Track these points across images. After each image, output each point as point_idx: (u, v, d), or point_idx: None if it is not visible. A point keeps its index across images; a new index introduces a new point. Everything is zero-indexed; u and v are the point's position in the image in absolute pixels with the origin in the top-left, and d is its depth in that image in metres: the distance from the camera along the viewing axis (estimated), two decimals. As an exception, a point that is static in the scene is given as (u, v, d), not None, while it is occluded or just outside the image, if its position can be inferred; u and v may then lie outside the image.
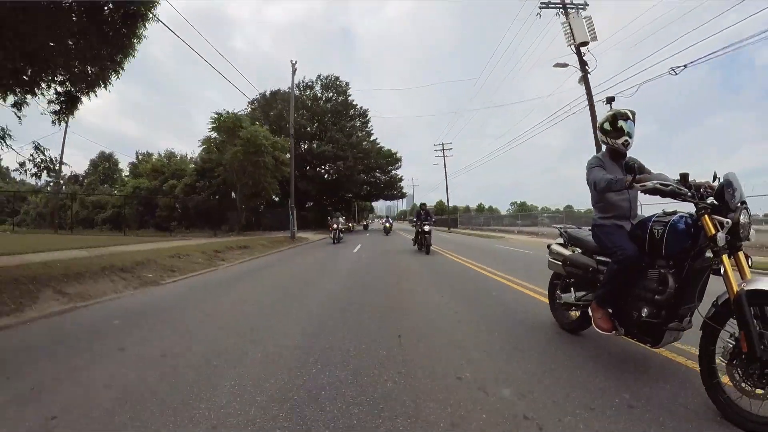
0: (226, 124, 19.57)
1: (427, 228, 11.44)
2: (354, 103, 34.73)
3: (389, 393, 2.10)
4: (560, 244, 3.26)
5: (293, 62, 20.24)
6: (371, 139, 35.20)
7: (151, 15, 6.29)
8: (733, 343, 1.89)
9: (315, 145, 31.90)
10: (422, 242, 11.65)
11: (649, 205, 3.39)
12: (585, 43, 13.49)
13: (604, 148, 2.78)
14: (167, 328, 3.53)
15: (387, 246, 14.69)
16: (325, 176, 33.68)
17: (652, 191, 2.11)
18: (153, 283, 6.23)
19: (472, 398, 2.06)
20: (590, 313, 2.63)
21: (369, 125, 35.59)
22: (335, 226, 16.68)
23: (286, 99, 30.72)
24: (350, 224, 27.75)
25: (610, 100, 2.59)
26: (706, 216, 1.99)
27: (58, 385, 2.26)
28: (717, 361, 2.00)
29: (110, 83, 6.77)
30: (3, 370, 2.49)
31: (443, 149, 40.39)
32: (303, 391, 2.14)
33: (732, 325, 1.92)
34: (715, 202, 2.05)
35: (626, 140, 2.60)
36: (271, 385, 2.21)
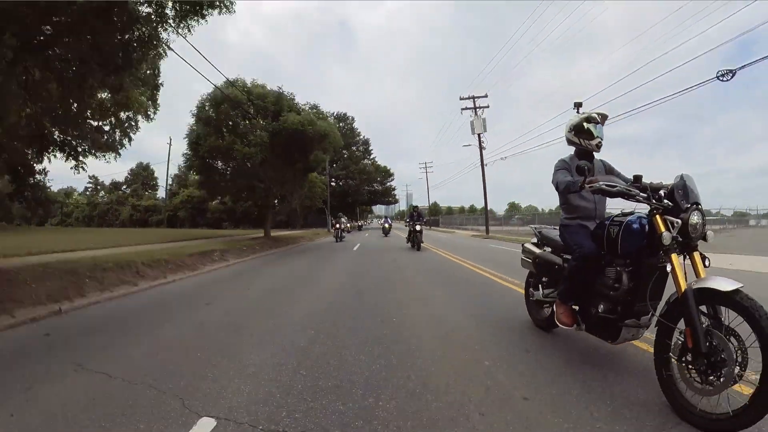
0: None
1: (418, 227, 13.04)
2: (359, 131, 47.34)
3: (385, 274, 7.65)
4: (534, 244, 3.38)
5: (328, 159, 32.13)
6: (371, 157, 48.36)
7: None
8: (682, 339, 1.97)
9: (330, 167, 42.95)
10: (414, 240, 13.25)
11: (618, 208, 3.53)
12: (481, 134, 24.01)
13: (572, 150, 2.88)
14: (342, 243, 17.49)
15: (383, 243, 17.74)
16: (337, 189, 43.62)
17: (599, 192, 2.23)
18: (313, 240, 20.68)
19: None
20: (554, 309, 2.74)
21: (370, 147, 48.46)
22: (338, 225, 19.34)
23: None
24: (348, 225, 28.75)
25: (577, 105, 2.62)
26: (657, 216, 2.09)
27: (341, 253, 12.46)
28: (670, 357, 2.09)
29: None
30: (311, 252, 13.27)
31: (426, 167, 53.51)
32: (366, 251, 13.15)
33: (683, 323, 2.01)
34: (670, 203, 2.15)
35: (600, 141, 2.70)
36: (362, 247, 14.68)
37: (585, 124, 2.71)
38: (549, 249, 3.16)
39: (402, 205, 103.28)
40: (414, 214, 13.73)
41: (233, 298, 5.17)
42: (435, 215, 54.30)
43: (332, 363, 2.60)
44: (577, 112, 2.89)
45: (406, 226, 16.46)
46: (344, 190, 44.17)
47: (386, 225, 24.41)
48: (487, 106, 24.22)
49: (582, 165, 2.20)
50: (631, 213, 2.33)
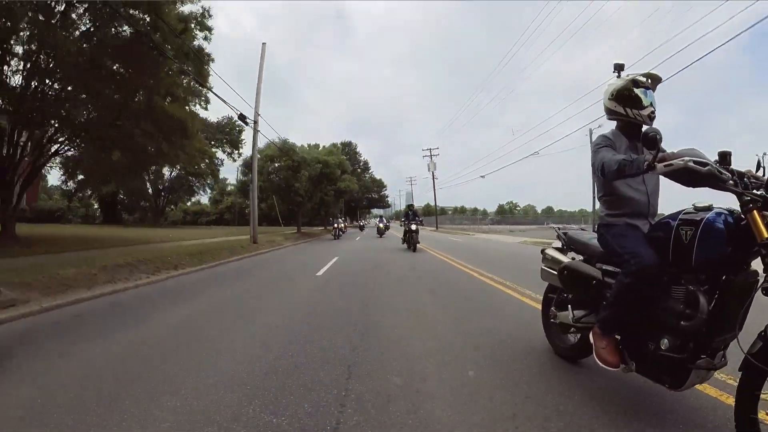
0: None
1: (414, 227, 12.85)
2: (360, 154, 65.19)
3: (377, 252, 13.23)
4: (557, 249, 2.78)
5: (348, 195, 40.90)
6: (370, 172, 66.29)
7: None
8: (788, 393, 1.43)
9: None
10: (410, 240, 13.04)
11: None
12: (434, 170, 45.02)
13: (614, 124, 2.31)
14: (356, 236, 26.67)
15: (377, 244, 17.40)
16: (345, 199, 58.69)
17: (682, 174, 1.59)
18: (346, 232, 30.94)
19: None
20: (591, 340, 2.14)
21: (369, 165, 66.81)
22: (336, 225, 23.36)
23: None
24: (343, 225, 31.84)
25: (618, 67, 2.13)
26: (755, 212, 1.51)
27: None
28: (761, 415, 1.55)
29: None
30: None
31: (411, 181, 76.25)
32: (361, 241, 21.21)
33: None
34: (766, 194, 1.58)
35: (652, 111, 2.12)
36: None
37: (633, 88, 2.14)
38: (579, 257, 2.58)
39: (400, 205, 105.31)
40: (410, 213, 13.54)
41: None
42: (427, 216, 67.31)
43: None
44: (618, 76, 2.31)
45: (401, 225, 15.80)
46: (348, 199, 57.71)
47: (381, 225, 25.18)
48: (438, 154, 47.79)
49: (652, 133, 1.59)
50: (708, 208, 1.73)
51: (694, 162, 1.53)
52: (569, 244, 2.69)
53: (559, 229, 2.84)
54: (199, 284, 6.52)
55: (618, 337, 2.12)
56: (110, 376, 2.48)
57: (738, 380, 1.62)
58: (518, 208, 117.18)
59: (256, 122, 14.62)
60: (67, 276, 5.62)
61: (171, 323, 3.88)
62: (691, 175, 1.56)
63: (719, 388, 2.25)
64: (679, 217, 1.80)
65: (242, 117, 14.01)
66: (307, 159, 24.86)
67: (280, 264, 9.85)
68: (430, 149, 47.64)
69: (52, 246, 9.78)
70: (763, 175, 1.70)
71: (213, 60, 11.23)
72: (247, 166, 24.11)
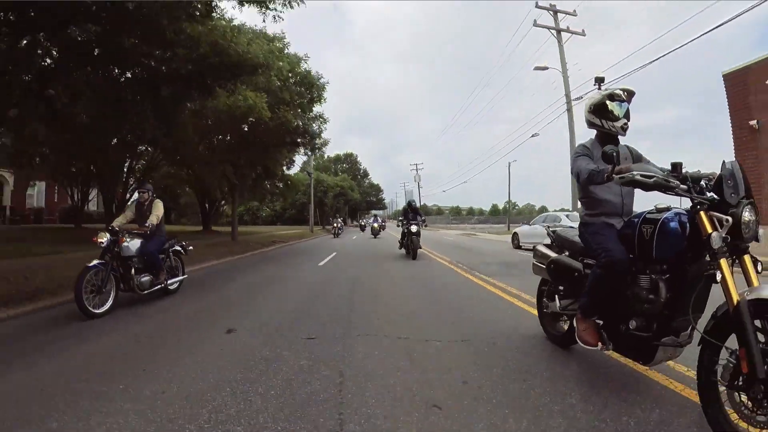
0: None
1: (414, 228, 10.68)
2: (360, 163, 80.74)
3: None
4: (547, 246, 3.15)
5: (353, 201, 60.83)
6: (368, 178, 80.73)
7: None
8: (734, 362, 1.76)
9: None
10: (409, 245, 10.91)
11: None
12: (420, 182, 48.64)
13: (593, 134, 2.65)
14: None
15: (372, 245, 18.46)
16: (348, 202, 69.08)
17: (632, 184, 1.96)
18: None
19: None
20: (575, 325, 2.50)
21: (367, 172, 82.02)
22: (336, 225, 27.60)
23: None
24: (341, 224, 34.12)
25: (599, 80, 2.39)
26: (702, 212, 1.85)
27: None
28: (718, 382, 1.87)
29: None
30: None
31: (404, 186, 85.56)
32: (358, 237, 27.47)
33: (734, 341, 1.80)
34: (715, 197, 1.92)
35: (625, 123, 2.46)
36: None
37: (607, 102, 2.47)
38: (566, 252, 2.93)
39: (397, 204, 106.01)
40: (409, 212, 11.36)
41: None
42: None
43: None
44: (599, 88, 2.66)
45: (399, 225, 12.65)
46: (351, 204, 68.39)
47: (375, 225, 25.35)
48: (422, 168, 59.97)
49: (609, 151, 1.95)
50: (667, 208, 2.09)
51: (642, 175, 1.88)
52: (557, 242, 3.05)
53: (548, 227, 3.20)
54: (319, 244, 18.38)
55: (600, 321, 2.47)
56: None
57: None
58: (516, 208, 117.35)
59: (312, 175, 35.29)
60: (284, 238, 20.57)
61: (316, 254, 13.08)
62: (639, 185, 1.93)
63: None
64: (642, 216, 2.16)
65: (309, 173, 34.63)
66: (331, 185, 48.77)
67: (337, 239, 22.65)
68: (416, 164, 62.03)
69: (227, 234, 19.64)
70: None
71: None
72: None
